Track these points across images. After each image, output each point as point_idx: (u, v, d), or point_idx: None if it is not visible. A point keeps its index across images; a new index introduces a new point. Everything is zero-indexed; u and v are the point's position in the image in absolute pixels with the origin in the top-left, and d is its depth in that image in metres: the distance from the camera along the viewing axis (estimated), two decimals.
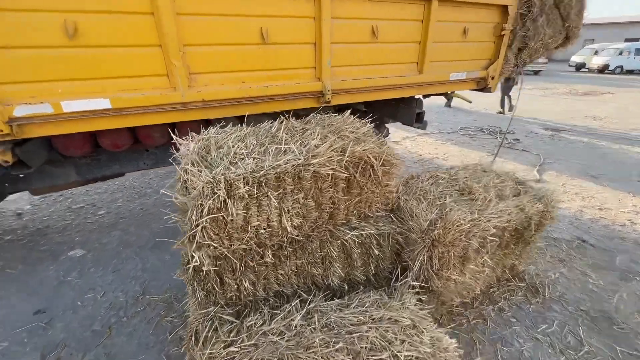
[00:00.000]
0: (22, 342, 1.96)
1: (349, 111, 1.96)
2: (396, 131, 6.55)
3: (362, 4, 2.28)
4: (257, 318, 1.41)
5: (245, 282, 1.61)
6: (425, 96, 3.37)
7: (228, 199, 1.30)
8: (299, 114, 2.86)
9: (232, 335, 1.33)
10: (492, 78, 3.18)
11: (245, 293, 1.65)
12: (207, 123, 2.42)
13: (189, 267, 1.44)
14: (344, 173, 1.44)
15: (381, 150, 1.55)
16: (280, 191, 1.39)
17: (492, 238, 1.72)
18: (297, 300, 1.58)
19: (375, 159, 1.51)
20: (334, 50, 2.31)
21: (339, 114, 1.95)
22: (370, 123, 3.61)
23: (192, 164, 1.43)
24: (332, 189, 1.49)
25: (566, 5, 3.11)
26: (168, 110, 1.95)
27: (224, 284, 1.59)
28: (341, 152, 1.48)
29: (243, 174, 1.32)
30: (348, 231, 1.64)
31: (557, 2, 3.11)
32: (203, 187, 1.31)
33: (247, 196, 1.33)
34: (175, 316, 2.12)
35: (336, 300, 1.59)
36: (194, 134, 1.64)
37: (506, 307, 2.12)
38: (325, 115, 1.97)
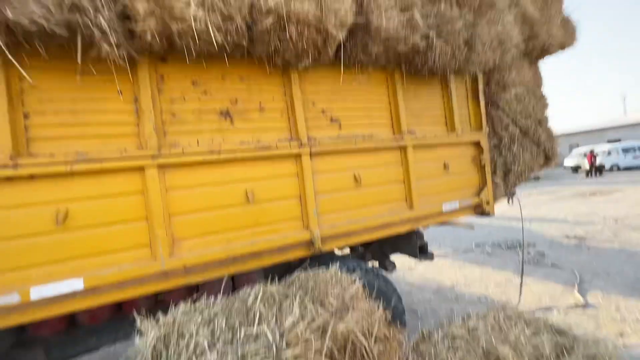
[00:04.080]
0: None
1: (335, 266, 1.82)
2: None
3: (340, 158, 2.48)
4: None
5: None
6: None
7: None
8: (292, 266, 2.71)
9: None
10: (488, 203, 3.15)
11: None
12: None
13: None
14: None
15: (371, 321, 1.31)
16: None
17: None
18: None
19: (365, 337, 1.25)
20: (320, 200, 2.38)
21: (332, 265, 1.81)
22: (374, 260, 3.43)
23: None
24: None
25: (534, 134, 3.38)
26: (147, 282, 1.85)
27: None
28: (322, 332, 1.24)
29: None
30: None
31: (523, 131, 3.39)
32: None
33: None
34: None
35: None
36: (159, 317, 1.47)
37: None
38: (311, 273, 1.81)
